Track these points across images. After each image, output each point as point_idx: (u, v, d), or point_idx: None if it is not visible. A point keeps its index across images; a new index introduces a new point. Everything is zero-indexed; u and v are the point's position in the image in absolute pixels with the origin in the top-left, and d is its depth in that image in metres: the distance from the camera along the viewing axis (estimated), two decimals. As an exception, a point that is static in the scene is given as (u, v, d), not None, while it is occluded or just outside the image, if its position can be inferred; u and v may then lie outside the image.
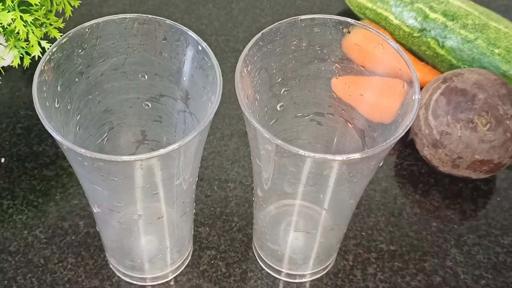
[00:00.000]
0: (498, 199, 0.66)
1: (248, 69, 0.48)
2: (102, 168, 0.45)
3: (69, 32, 0.49)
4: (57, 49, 0.48)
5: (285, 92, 0.53)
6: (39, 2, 0.64)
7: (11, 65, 0.68)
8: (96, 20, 0.49)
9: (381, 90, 0.51)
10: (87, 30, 0.49)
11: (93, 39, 0.50)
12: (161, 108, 0.54)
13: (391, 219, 0.64)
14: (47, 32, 0.68)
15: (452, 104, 0.62)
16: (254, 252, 0.61)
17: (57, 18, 0.69)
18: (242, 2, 0.83)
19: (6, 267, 0.59)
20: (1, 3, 0.62)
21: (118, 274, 0.59)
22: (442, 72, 0.72)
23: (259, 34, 0.49)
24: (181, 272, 0.60)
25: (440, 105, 0.62)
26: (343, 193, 0.50)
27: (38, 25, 0.66)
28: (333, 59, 0.52)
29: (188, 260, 0.60)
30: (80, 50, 0.49)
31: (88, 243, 0.61)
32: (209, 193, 0.65)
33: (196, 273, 0.59)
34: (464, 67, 0.70)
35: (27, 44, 0.65)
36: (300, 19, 0.50)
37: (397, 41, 0.74)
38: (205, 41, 0.49)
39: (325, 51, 0.52)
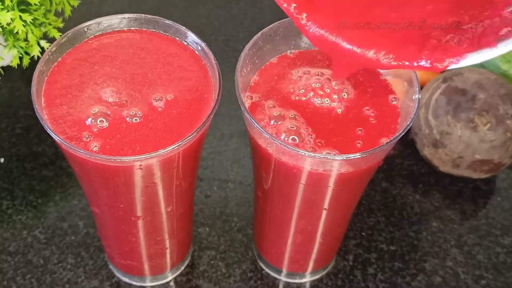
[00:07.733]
0: (498, 199, 0.66)
1: (248, 69, 0.48)
2: (102, 168, 0.45)
3: (68, 32, 0.48)
4: (56, 49, 0.48)
5: (285, 92, 0.53)
6: (38, 2, 0.64)
7: (10, 65, 0.68)
8: (95, 20, 0.49)
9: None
10: (86, 30, 0.49)
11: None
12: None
13: (391, 219, 0.64)
14: (46, 31, 0.68)
15: (452, 103, 0.62)
16: (254, 252, 0.61)
17: (57, 18, 0.69)
18: (242, 2, 0.83)
19: (6, 267, 0.59)
20: (0, 3, 0.62)
21: (117, 274, 0.59)
22: (442, 72, 0.72)
23: (259, 34, 0.49)
24: (180, 272, 0.60)
25: (440, 105, 0.62)
26: (343, 193, 0.50)
27: (38, 25, 0.66)
28: (333, 59, 0.52)
29: (188, 260, 0.60)
30: None
31: (87, 244, 0.61)
32: (209, 193, 0.65)
33: (196, 274, 0.59)
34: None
35: (26, 44, 0.65)
36: (300, 18, 0.50)
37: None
38: (205, 41, 0.49)
39: (325, 51, 0.51)
